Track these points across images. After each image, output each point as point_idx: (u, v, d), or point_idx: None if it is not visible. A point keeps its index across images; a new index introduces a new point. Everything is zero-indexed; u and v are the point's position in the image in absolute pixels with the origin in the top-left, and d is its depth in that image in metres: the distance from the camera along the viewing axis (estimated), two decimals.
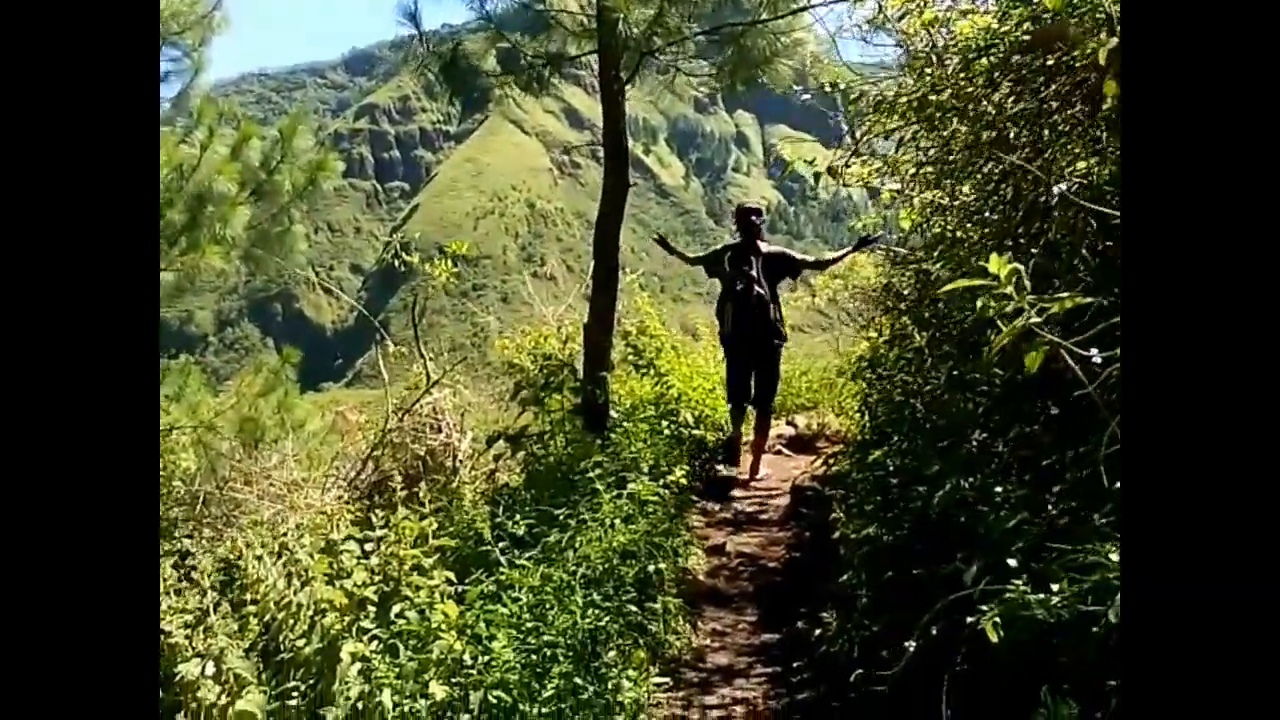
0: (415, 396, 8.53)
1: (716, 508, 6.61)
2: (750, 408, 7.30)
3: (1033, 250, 3.38)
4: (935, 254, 3.75)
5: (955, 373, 2.86)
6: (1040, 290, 1.97)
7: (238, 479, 7.75)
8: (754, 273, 6.84)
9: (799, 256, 7.37)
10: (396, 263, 8.40)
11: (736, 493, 7.03)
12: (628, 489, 4.63)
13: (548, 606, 3.33)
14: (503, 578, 3.53)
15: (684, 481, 6.13)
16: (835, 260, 7.79)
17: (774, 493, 7.21)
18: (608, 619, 3.43)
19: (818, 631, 3.52)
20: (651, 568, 4.05)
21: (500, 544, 3.90)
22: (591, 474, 4.80)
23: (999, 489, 2.41)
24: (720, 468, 7.24)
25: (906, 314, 4.31)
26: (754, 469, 7.31)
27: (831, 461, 6.66)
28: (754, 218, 7.11)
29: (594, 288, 7.01)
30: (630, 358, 8.03)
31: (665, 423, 7.10)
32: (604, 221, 6.86)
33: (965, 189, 3.85)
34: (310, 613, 2.84)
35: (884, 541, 3.14)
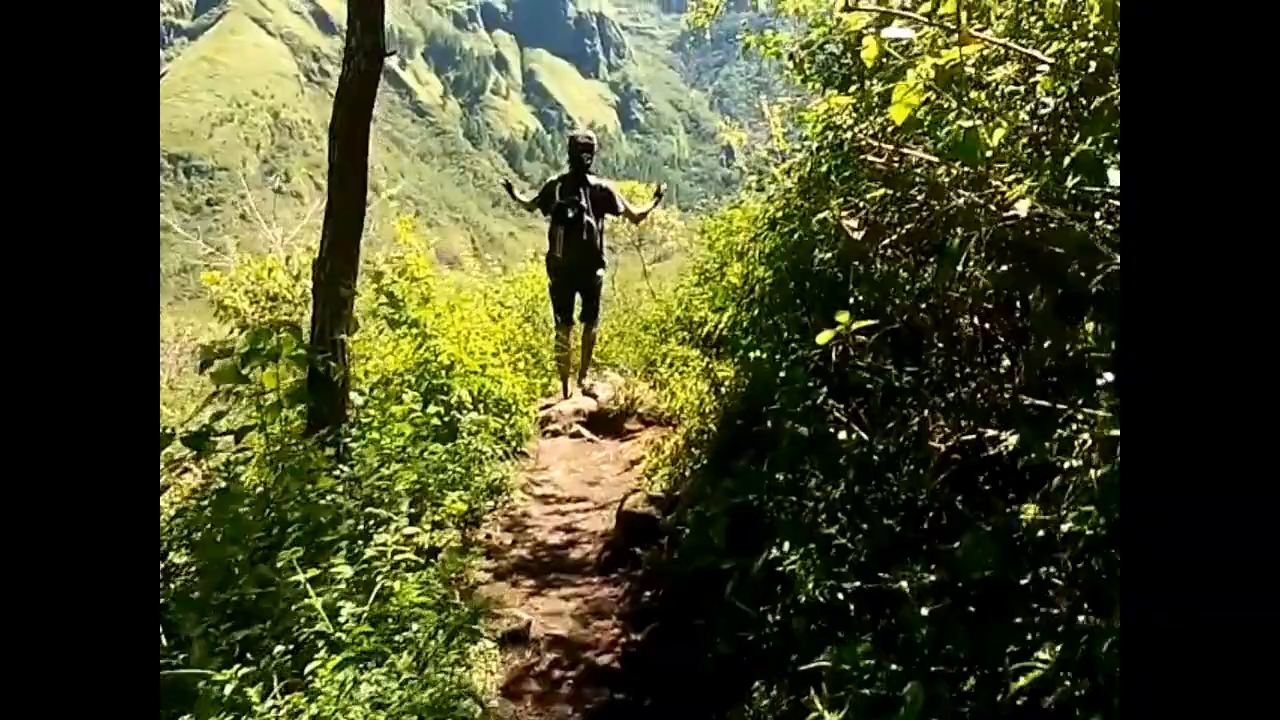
0: None
1: (509, 540, 4.53)
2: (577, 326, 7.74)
3: None
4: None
5: None
6: None
7: None
8: (584, 203, 7.25)
9: (621, 201, 7.63)
10: None
11: (534, 511, 4.99)
12: (392, 592, 2.47)
13: None
14: None
15: (462, 507, 4.06)
16: (645, 214, 8.26)
17: (583, 505, 5.23)
18: None
19: None
20: None
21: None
22: (327, 527, 2.58)
23: None
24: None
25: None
26: (581, 380, 7.81)
27: (675, 476, 4.76)
28: (585, 154, 7.48)
29: (331, 203, 4.61)
30: (383, 309, 5.65)
31: (434, 407, 4.91)
32: (348, 100, 4.45)
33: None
34: None
35: None
